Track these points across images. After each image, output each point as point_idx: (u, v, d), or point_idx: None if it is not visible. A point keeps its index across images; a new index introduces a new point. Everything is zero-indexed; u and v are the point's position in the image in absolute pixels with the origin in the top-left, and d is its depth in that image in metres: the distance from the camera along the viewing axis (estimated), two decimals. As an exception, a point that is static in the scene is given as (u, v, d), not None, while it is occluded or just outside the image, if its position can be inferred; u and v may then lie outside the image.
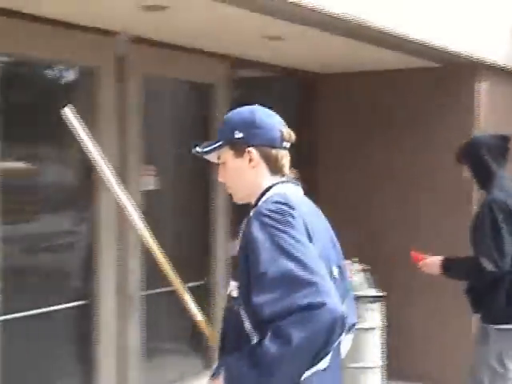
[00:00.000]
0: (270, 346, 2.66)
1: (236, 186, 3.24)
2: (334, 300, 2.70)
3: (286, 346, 2.64)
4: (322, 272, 2.77)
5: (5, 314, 5.55)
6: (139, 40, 6.48)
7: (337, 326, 2.69)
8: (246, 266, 2.85)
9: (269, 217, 2.87)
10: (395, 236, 8.24)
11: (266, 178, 3.16)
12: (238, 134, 3.16)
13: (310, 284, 2.70)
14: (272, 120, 3.21)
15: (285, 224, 2.85)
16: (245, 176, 3.18)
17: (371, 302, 7.71)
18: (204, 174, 7.46)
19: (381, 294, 7.71)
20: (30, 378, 5.98)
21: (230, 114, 3.29)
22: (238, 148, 3.17)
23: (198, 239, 7.58)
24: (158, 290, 6.93)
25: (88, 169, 6.26)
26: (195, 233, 7.63)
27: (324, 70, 8.48)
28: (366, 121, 8.52)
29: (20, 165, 6.04)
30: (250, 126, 3.17)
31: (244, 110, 3.26)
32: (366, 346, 7.70)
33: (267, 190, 3.12)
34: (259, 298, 2.73)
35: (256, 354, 2.70)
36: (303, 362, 2.73)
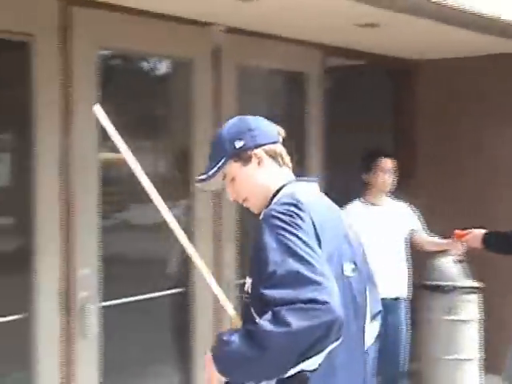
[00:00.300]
0: (267, 324, 2.70)
1: (254, 194, 3.27)
2: (336, 302, 2.74)
3: (282, 327, 2.67)
4: (328, 274, 2.82)
5: (104, 300, 5.68)
6: (234, 30, 6.53)
7: (334, 327, 2.72)
8: (257, 267, 2.91)
9: (278, 218, 2.93)
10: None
11: (277, 175, 3.26)
12: (239, 143, 3.23)
13: (315, 283, 2.75)
14: (262, 120, 3.33)
15: (293, 226, 2.90)
16: (258, 180, 3.25)
17: (467, 294, 7.64)
18: (296, 161, 7.47)
19: (478, 285, 7.62)
20: (127, 363, 6.11)
21: (219, 132, 3.33)
22: (244, 156, 3.24)
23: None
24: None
25: (185, 160, 6.41)
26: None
27: (419, 57, 8.42)
28: (464, 108, 8.37)
29: (118, 155, 6.15)
30: (246, 131, 3.26)
31: (233, 123, 3.33)
32: (461, 339, 7.65)
33: (279, 190, 3.20)
34: (267, 291, 2.78)
35: (251, 330, 2.76)
36: (294, 350, 2.72)
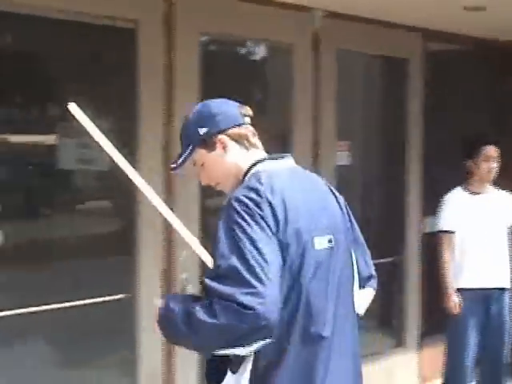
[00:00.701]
0: (202, 313, 2.84)
1: (224, 178, 3.30)
2: (268, 308, 2.81)
3: (212, 319, 2.80)
4: (272, 276, 2.86)
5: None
6: (334, 15, 6.55)
7: (261, 331, 2.82)
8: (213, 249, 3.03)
9: (235, 210, 2.96)
10: None
11: (244, 157, 3.25)
12: (202, 130, 3.25)
13: (252, 286, 2.81)
14: (227, 104, 3.33)
15: (246, 221, 2.93)
16: (225, 165, 3.26)
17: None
18: (396, 149, 7.54)
19: None
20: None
21: (186, 119, 3.36)
22: (209, 142, 3.25)
23: (390, 215, 7.60)
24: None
25: (279, 144, 6.50)
26: (387, 208, 7.67)
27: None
28: None
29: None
30: (208, 117, 3.27)
31: (197, 109, 3.35)
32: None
33: (248, 170, 3.21)
34: (209, 282, 2.89)
35: (190, 312, 2.88)
36: (219, 340, 2.88)
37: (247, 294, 2.79)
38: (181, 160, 3.29)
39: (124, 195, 5.16)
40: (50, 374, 5.32)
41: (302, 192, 3.16)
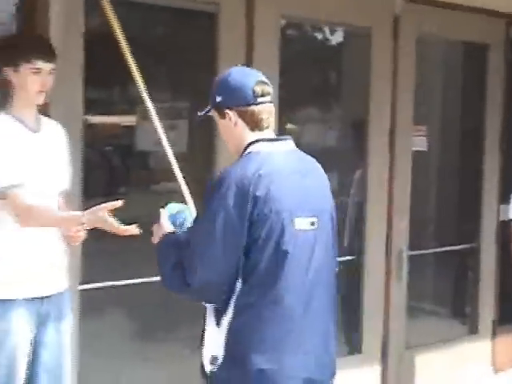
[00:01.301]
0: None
1: (229, 144, 3.55)
2: (198, 279, 3.30)
3: (171, 270, 3.39)
4: (209, 253, 3.27)
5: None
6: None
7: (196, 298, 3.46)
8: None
9: (220, 183, 3.30)
10: None
11: (247, 134, 3.44)
12: (218, 98, 3.47)
13: (200, 262, 3.29)
14: (245, 79, 3.44)
15: (217, 201, 3.28)
16: (231, 134, 3.49)
17: None
18: (474, 136, 7.54)
19: None
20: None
21: (217, 77, 3.58)
22: (220, 111, 3.48)
23: (467, 201, 7.59)
24: (424, 252, 7.20)
25: (357, 131, 6.61)
26: (464, 194, 7.67)
27: None
28: None
29: (292, 127, 6.36)
30: (225, 89, 3.45)
31: (224, 74, 3.53)
32: None
33: (248, 146, 3.43)
34: (190, 231, 3.46)
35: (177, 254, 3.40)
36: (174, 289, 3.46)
37: (193, 272, 3.29)
38: (200, 114, 3.59)
39: (196, 177, 5.24)
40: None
41: (292, 174, 3.40)
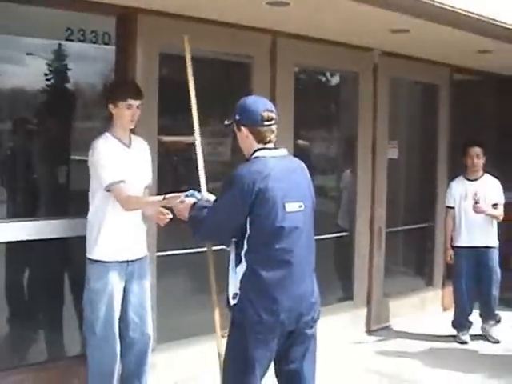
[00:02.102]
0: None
1: (242, 148, 3.52)
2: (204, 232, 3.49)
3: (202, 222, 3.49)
4: (215, 218, 3.42)
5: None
6: (388, 53, 6.45)
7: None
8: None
9: (233, 178, 3.35)
10: None
11: (254, 144, 3.44)
12: (237, 117, 3.46)
13: (207, 223, 3.45)
14: (255, 106, 3.44)
15: (229, 188, 3.35)
16: (244, 142, 3.48)
17: None
18: (430, 148, 7.39)
19: None
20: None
21: (239, 101, 3.51)
22: (238, 126, 3.47)
23: (426, 193, 7.44)
24: (397, 229, 7.01)
25: (351, 145, 6.43)
26: (424, 189, 7.51)
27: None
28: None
29: (302, 142, 6.24)
30: (242, 111, 3.44)
31: (243, 99, 3.51)
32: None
33: (254, 152, 3.43)
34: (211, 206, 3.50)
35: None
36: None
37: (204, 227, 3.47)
38: (226, 123, 3.54)
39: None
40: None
41: (284, 171, 3.40)
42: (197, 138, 3.97)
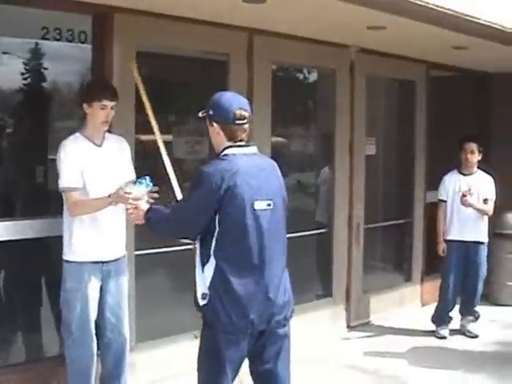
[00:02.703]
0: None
1: (213, 144, 3.48)
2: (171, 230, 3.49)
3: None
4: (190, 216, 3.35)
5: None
6: (364, 50, 6.50)
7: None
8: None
9: (200, 176, 3.32)
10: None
11: (224, 142, 3.40)
12: (210, 112, 3.40)
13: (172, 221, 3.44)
14: (229, 104, 3.39)
15: (197, 186, 3.31)
16: (214, 138, 3.44)
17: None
18: (407, 145, 7.44)
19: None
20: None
21: (214, 95, 3.46)
22: (210, 121, 3.42)
23: (404, 190, 7.47)
24: (376, 225, 7.05)
25: (329, 141, 6.45)
26: (401, 185, 7.55)
27: (493, 70, 8.12)
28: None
29: (280, 139, 6.26)
30: (215, 107, 3.39)
31: (218, 94, 3.45)
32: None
33: (224, 149, 3.39)
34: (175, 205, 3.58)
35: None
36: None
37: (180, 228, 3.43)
38: (199, 115, 3.46)
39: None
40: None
41: (253, 169, 3.35)
42: (160, 145, 4.03)
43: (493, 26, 5.45)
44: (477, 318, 6.59)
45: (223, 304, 3.28)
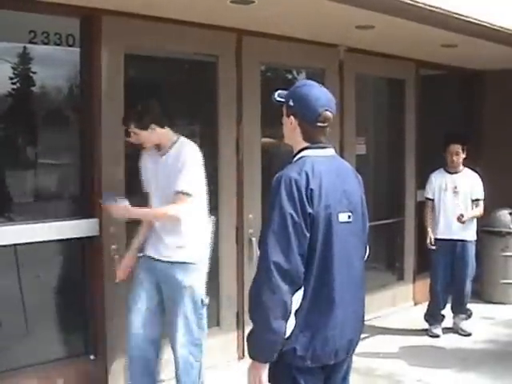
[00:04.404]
0: None
1: (287, 139, 3.06)
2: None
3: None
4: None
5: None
6: (353, 49, 6.53)
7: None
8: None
9: (283, 186, 2.78)
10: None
11: (300, 140, 2.98)
12: (291, 103, 2.95)
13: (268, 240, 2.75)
14: (317, 102, 2.93)
15: (285, 195, 2.77)
16: (289, 131, 3.01)
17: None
18: (398, 145, 7.46)
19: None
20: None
21: (298, 82, 3.08)
22: (288, 111, 2.97)
23: (395, 188, 7.53)
24: (370, 224, 6.98)
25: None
26: (392, 184, 7.60)
27: (482, 68, 8.16)
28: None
29: (270, 140, 6.27)
30: (299, 100, 2.94)
31: (305, 85, 3.03)
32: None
33: (300, 151, 2.97)
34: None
35: None
36: None
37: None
38: (275, 99, 3.03)
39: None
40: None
41: (334, 176, 2.94)
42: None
43: (481, 23, 5.49)
44: (469, 316, 6.63)
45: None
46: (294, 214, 2.75)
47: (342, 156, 6.32)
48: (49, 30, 4.53)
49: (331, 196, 2.87)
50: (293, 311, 2.78)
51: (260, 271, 2.75)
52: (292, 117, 2.96)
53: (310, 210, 2.78)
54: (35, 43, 4.50)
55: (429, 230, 6.55)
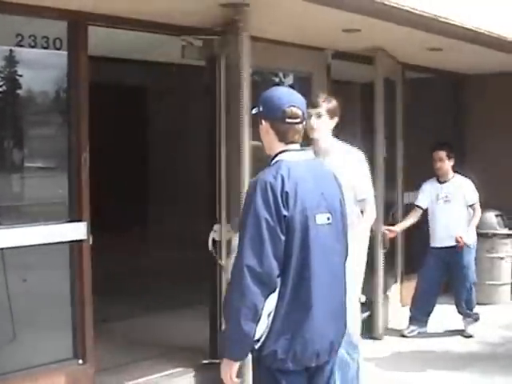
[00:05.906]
0: None
1: (264, 145, 3.09)
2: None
3: None
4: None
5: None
6: (338, 53, 6.50)
7: None
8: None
9: (258, 189, 2.81)
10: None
11: (276, 144, 3.00)
12: (260, 108, 3.03)
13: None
14: (281, 101, 2.98)
15: (261, 200, 2.78)
16: (264, 138, 3.05)
17: (503, 238, 7.65)
18: (386, 142, 7.35)
19: (510, 232, 7.64)
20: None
21: (267, 91, 3.09)
22: (260, 117, 3.04)
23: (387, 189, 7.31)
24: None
25: (304, 144, 6.41)
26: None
27: (468, 72, 8.22)
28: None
29: (258, 143, 6.23)
30: (265, 103, 3.01)
31: (270, 89, 3.09)
32: (498, 269, 7.65)
33: (277, 155, 2.98)
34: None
35: None
36: None
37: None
38: (253, 112, 3.11)
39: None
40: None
41: (312, 179, 2.96)
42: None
43: (466, 27, 5.50)
44: (475, 320, 6.62)
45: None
46: (269, 219, 2.78)
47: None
48: (36, 33, 4.48)
49: (308, 199, 2.88)
50: (266, 313, 2.80)
51: (233, 274, 2.81)
52: (263, 121, 3.02)
53: (285, 213, 2.81)
54: (22, 46, 4.45)
55: (398, 226, 6.62)
